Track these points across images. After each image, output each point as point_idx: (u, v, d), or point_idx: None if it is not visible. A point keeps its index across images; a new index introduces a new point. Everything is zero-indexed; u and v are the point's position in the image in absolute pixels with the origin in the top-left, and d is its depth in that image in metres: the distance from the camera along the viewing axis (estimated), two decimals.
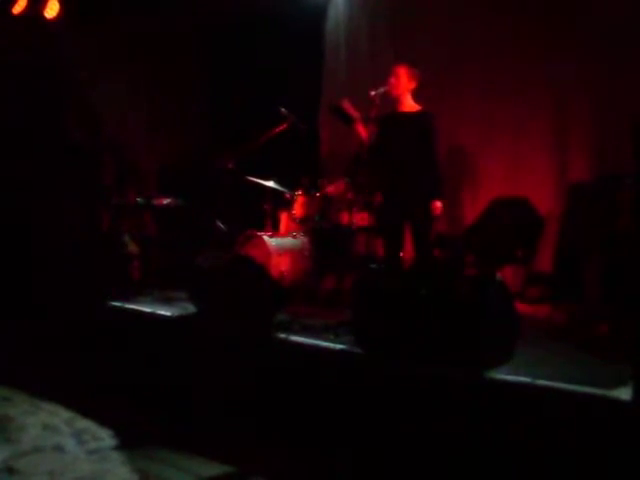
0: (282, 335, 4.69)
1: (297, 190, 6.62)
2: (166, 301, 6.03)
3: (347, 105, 5.59)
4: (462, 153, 6.71)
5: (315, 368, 4.35)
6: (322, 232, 6.44)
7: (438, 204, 5.32)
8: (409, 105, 5.45)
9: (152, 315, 5.56)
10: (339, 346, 4.37)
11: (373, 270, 4.99)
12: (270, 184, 6.66)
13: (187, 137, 8.69)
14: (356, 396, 4.01)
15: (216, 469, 3.71)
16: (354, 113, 5.56)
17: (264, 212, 6.75)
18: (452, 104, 6.59)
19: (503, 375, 3.62)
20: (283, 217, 6.84)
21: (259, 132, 6.72)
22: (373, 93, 5.32)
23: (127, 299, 6.02)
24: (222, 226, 7.39)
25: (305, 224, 6.55)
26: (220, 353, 4.81)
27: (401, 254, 5.51)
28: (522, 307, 5.50)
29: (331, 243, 6.37)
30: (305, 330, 4.84)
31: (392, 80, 5.38)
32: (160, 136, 8.45)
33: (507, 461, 3.38)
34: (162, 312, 5.56)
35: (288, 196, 6.69)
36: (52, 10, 7.10)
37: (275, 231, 6.66)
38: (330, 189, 6.43)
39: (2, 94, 7.21)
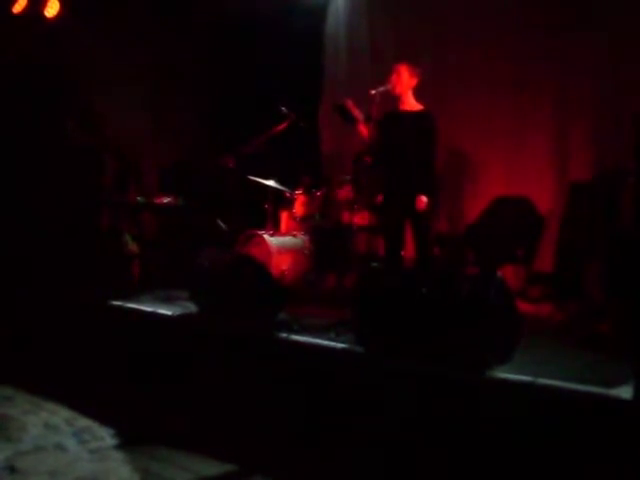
0: (283, 334, 4.69)
1: (298, 189, 6.63)
2: (167, 300, 6.02)
3: (350, 105, 5.58)
4: (463, 152, 6.71)
5: (316, 367, 4.35)
6: (323, 231, 6.45)
7: (423, 198, 5.26)
8: (411, 104, 5.44)
9: (153, 314, 5.56)
10: (340, 345, 4.37)
11: (374, 269, 4.97)
12: (271, 183, 6.66)
13: (188, 136, 8.69)
14: (357, 395, 4.01)
15: (217, 468, 3.71)
16: (357, 113, 5.55)
17: (265, 211, 6.75)
18: (453, 103, 6.60)
19: (504, 374, 3.62)
20: (284, 216, 6.84)
21: (260, 131, 6.72)
22: (373, 92, 5.31)
23: (128, 298, 6.01)
24: (223, 225, 7.39)
25: (306, 223, 6.56)
26: (221, 352, 4.81)
27: (402, 253, 5.51)
28: (523, 306, 5.50)
29: (332, 242, 6.36)
30: (306, 329, 4.83)
31: (393, 78, 5.38)
32: (161, 135, 8.44)
33: (508, 460, 3.38)
34: (163, 311, 5.55)
35: (289, 195, 6.70)
36: (52, 9, 7.09)
37: (276, 230, 6.66)
38: (341, 194, 6.40)
39: (2, 93, 7.21)
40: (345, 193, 6.28)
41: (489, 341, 3.68)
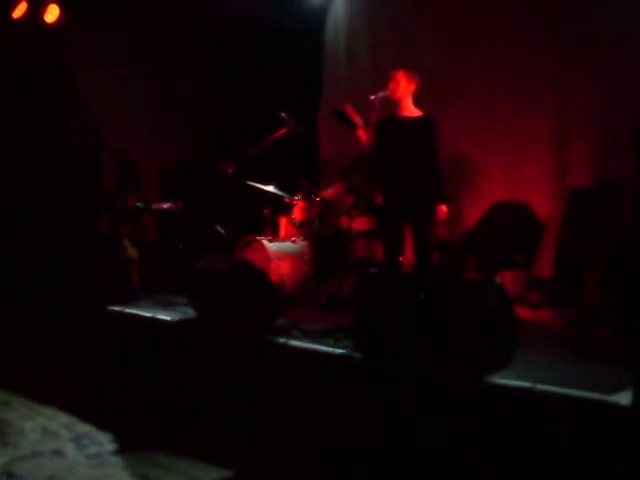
0: (282, 340, 4.68)
1: (297, 195, 6.63)
2: (166, 306, 6.02)
3: (350, 110, 5.56)
4: (462, 157, 6.71)
5: (315, 373, 4.35)
6: (322, 236, 6.44)
7: (444, 208, 5.34)
8: (410, 110, 5.44)
9: (152, 320, 5.55)
10: (339, 351, 4.37)
11: (373, 274, 4.98)
12: (270, 189, 6.66)
13: (187, 141, 8.69)
14: (356, 401, 4.00)
15: (215, 473, 3.70)
16: (356, 118, 5.54)
17: (264, 217, 6.75)
18: (452, 108, 6.60)
19: (503, 380, 3.62)
20: (283, 222, 6.83)
21: (259, 137, 6.73)
22: (373, 97, 5.31)
23: (126, 304, 6.01)
24: (222, 231, 7.39)
25: (305, 228, 6.55)
26: (220, 358, 4.80)
27: (401, 258, 5.51)
28: (522, 312, 5.50)
29: (331, 247, 6.36)
30: (305, 335, 4.83)
31: (391, 85, 5.37)
32: (160, 140, 8.44)
33: (507, 466, 3.37)
34: (162, 317, 5.55)
35: (288, 200, 6.70)
36: (52, 15, 7.10)
37: (275, 236, 6.66)
38: (327, 193, 6.44)
39: (1, 98, 7.21)
40: (343, 198, 6.28)
41: (487, 347, 3.68)
